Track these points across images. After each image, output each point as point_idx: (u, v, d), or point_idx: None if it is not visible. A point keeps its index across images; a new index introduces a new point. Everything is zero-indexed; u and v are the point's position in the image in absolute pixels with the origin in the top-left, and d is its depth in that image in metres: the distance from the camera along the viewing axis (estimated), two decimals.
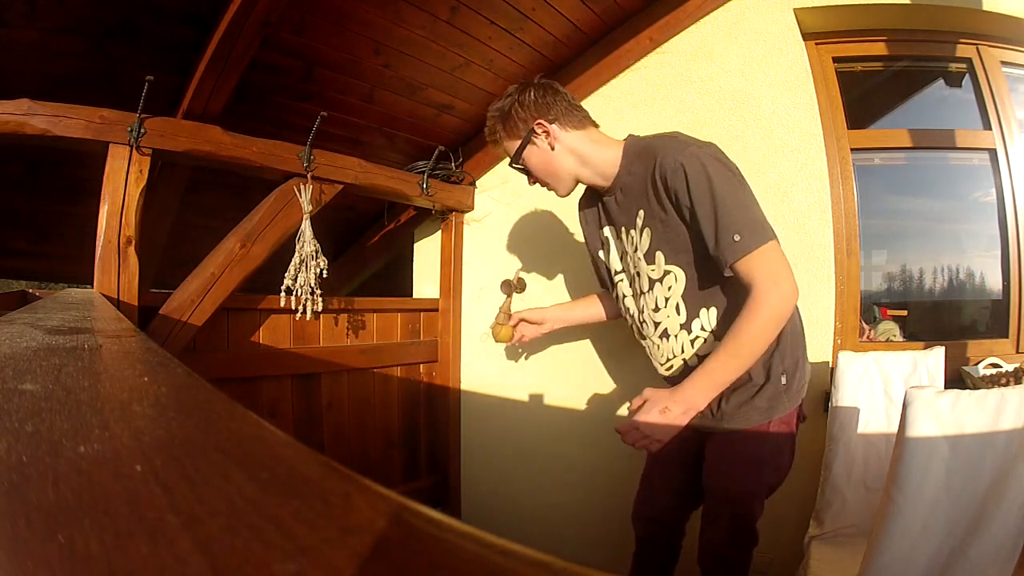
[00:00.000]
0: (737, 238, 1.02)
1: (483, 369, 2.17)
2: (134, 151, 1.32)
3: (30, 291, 1.58)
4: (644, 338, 1.30)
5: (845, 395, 1.45)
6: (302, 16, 1.43)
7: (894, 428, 0.98)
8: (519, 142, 1.25)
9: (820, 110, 1.71)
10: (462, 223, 2.22)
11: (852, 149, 1.76)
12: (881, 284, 2.01)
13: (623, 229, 1.26)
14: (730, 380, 1.06)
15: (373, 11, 1.50)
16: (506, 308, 1.59)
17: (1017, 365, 1.53)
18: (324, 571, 0.13)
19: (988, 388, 0.87)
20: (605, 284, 1.43)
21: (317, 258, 1.60)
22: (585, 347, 1.97)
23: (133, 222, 1.32)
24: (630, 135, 1.26)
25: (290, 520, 0.16)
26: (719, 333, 1.14)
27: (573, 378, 1.99)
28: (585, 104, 2.00)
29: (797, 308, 1.20)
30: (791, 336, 1.17)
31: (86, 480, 0.19)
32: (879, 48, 1.80)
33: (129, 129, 1.31)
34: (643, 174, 1.16)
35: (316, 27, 1.48)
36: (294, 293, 1.58)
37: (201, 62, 1.37)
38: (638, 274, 1.24)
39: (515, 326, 1.59)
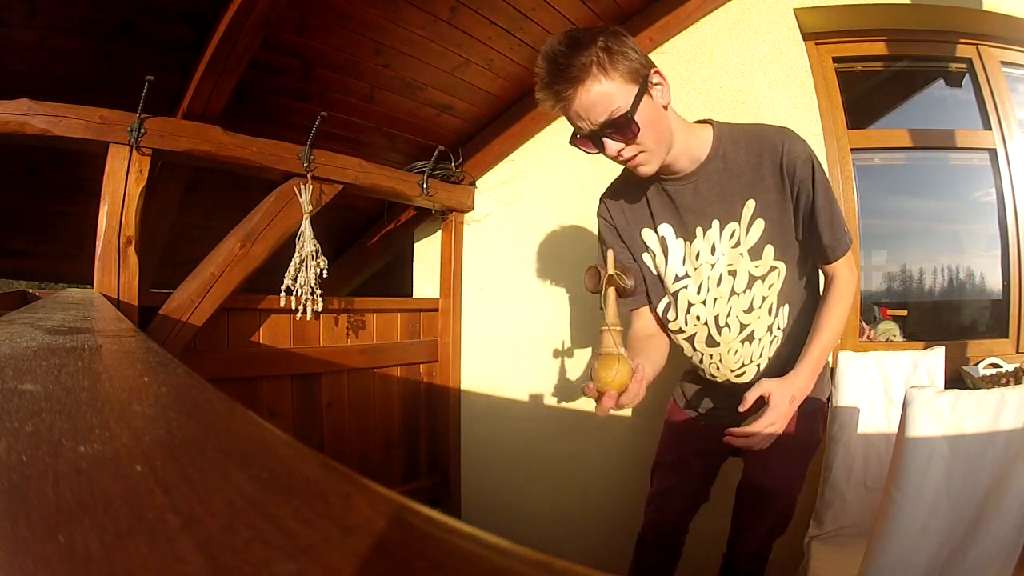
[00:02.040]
0: (847, 231, 1.07)
1: (483, 369, 2.17)
2: (134, 151, 1.32)
3: (30, 291, 1.58)
4: (716, 345, 1.14)
5: (845, 395, 1.45)
6: (302, 16, 1.43)
7: (894, 428, 0.98)
8: (635, 88, 0.93)
9: (820, 110, 1.71)
10: (462, 223, 2.22)
11: (852, 149, 1.76)
12: (881, 284, 2.01)
13: (710, 223, 1.08)
14: (825, 360, 1.09)
15: (373, 11, 1.50)
16: (613, 321, 1.01)
17: (1017, 365, 1.53)
18: (324, 571, 0.13)
19: (988, 388, 0.87)
20: (642, 299, 1.19)
21: (317, 258, 1.60)
22: (585, 347, 1.97)
23: (133, 222, 1.32)
24: (712, 120, 1.11)
25: (290, 520, 0.16)
26: (788, 330, 1.15)
27: (573, 378, 1.99)
28: None
29: None
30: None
31: (86, 480, 0.19)
32: (879, 48, 1.80)
33: (129, 129, 1.31)
34: (751, 162, 1.04)
35: (316, 27, 1.48)
36: (294, 293, 1.58)
37: (201, 62, 1.37)
38: (731, 273, 1.09)
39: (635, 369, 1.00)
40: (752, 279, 1.09)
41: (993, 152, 1.72)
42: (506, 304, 2.12)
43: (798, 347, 1.08)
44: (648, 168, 1.02)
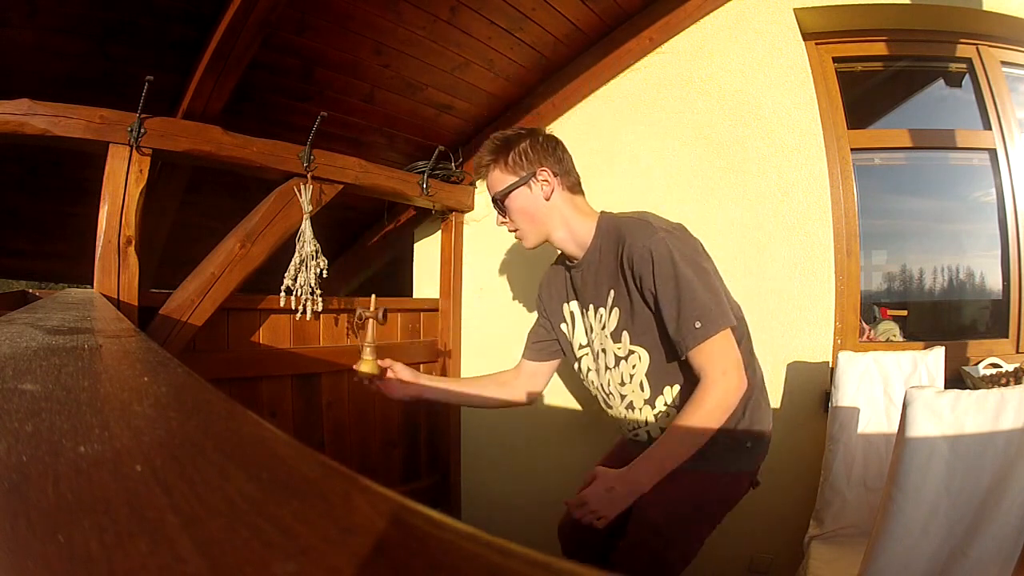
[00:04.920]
0: (698, 325, 1.06)
1: (483, 369, 2.17)
2: (134, 151, 1.32)
3: (30, 291, 1.58)
4: (610, 408, 1.30)
5: (845, 395, 1.45)
6: (302, 16, 1.43)
7: (894, 428, 0.98)
8: (514, 179, 1.22)
9: (820, 110, 1.71)
10: (462, 223, 2.22)
11: (852, 149, 1.76)
12: (881, 284, 2.01)
13: (591, 306, 1.26)
14: (676, 464, 1.06)
15: (373, 11, 1.50)
16: (369, 340, 1.34)
17: (1017, 365, 1.53)
18: (324, 571, 0.13)
19: (988, 388, 0.87)
20: (546, 356, 1.39)
21: (317, 258, 1.60)
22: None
23: (133, 222, 1.32)
24: (603, 212, 1.26)
25: (290, 520, 0.16)
26: (680, 408, 1.16)
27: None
28: (585, 104, 2.04)
29: (764, 388, 1.25)
30: (757, 411, 1.20)
31: (86, 480, 0.19)
32: (879, 48, 1.80)
33: (129, 129, 1.31)
34: (613, 254, 1.18)
35: (316, 27, 1.48)
36: (294, 293, 1.58)
37: (201, 62, 1.37)
38: (604, 351, 1.24)
39: (385, 367, 1.34)
40: (617, 359, 1.22)
41: (993, 152, 1.72)
42: (506, 304, 2.12)
43: None
44: (525, 243, 1.27)
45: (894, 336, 1.84)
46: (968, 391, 0.83)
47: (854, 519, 1.40)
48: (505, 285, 2.13)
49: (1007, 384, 1.48)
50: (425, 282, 2.30)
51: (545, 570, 0.13)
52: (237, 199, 1.79)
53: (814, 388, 1.64)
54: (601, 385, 1.29)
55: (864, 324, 1.80)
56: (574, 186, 1.26)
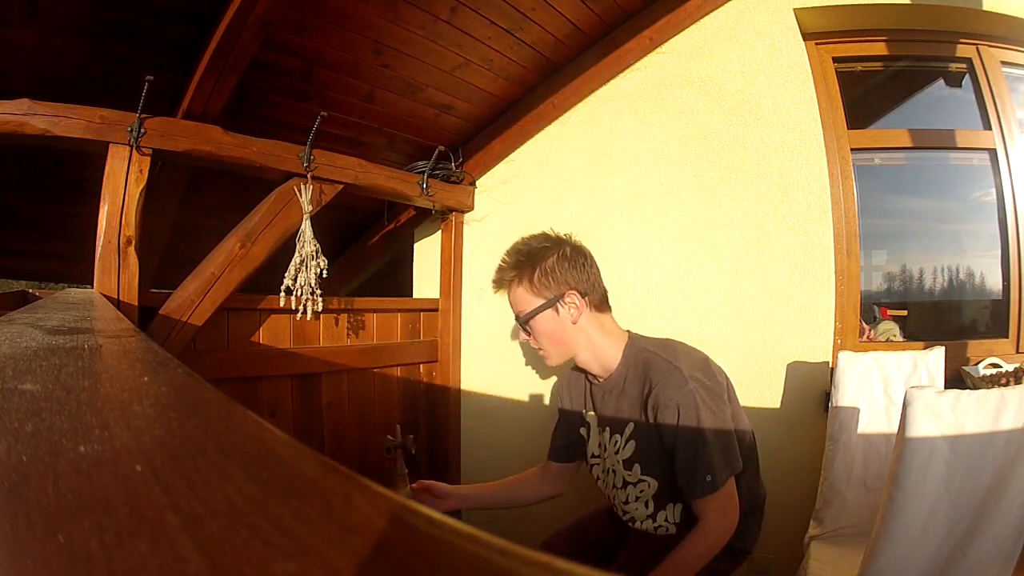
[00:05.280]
0: (709, 478, 1.08)
1: (483, 369, 2.17)
2: (134, 151, 1.32)
3: (30, 291, 1.58)
4: (614, 506, 1.31)
5: (845, 395, 1.45)
6: (302, 16, 1.43)
7: (894, 428, 0.98)
8: (540, 302, 1.19)
9: (820, 110, 1.71)
10: (462, 223, 2.22)
11: (852, 149, 1.76)
12: (881, 284, 2.01)
13: (607, 428, 1.26)
14: None
15: (373, 11, 1.50)
16: (400, 471, 1.38)
17: (1017, 365, 1.53)
18: (324, 571, 0.13)
19: (988, 388, 0.87)
20: (572, 457, 1.39)
21: (317, 258, 1.60)
22: None
23: (133, 222, 1.32)
24: (630, 335, 1.25)
25: (290, 520, 0.16)
26: (680, 527, 1.19)
27: None
28: (585, 104, 2.04)
29: (763, 510, 1.28)
30: (748, 531, 1.22)
31: (86, 480, 0.19)
32: (879, 48, 1.80)
33: (129, 129, 1.31)
34: (638, 389, 1.17)
35: (316, 27, 1.48)
36: (294, 293, 1.58)
37: (201, 62, 1.37)
38: (613, 471, 1.25)
39: (417, 490, 1.36)
40: (626, 483, 1.22)
41: (993, 152, 1.72)
42: (506, 304, 2.12)
43: None
44: (549, 362, 1.26)
45: (894, 336, 1.84)
46: (968, 391, 0.83)
47: (854, 519, 1.40)
48: None
49: (1007, 384, 1.48)
50: (425, 282, 2.30)
51: (545, 570, 0.13)
52: (237, 199, 1.79)
53: (814, 388, 1.64)
54: (610, 496, 1.30)
55: (864, 324, 1.80)
56: (601, 304, 1.23)
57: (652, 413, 1.13)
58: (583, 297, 1.19)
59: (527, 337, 1.25)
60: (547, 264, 1.18)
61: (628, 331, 1.27)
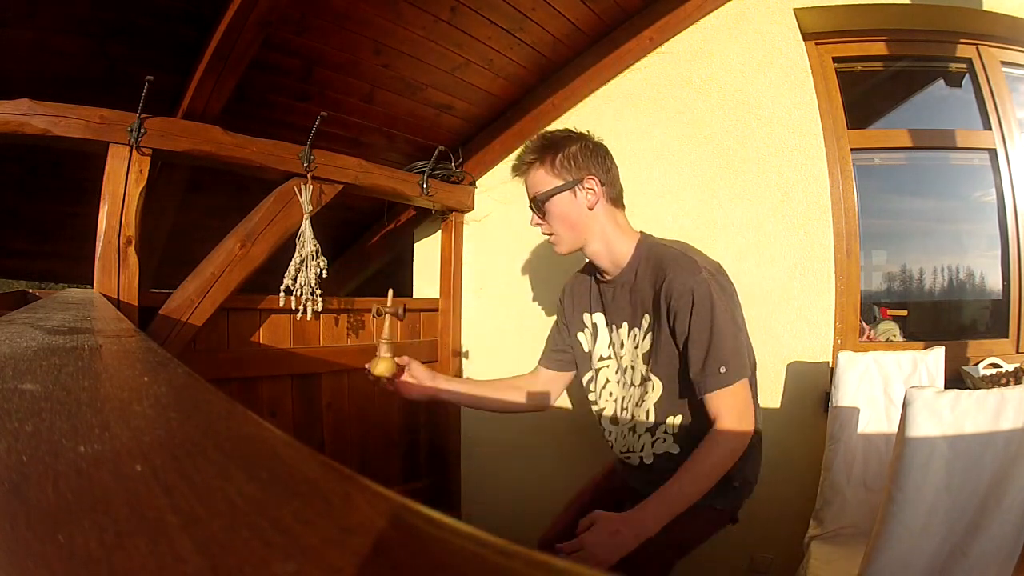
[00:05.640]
0: (723, 370, 1.05)
1: (483, 369, 2.17)
2: (134, 151, 1.32)
3: (30, 291, 1.58)
4: (616, 423, 1.28)
5: (845, 395, 1.45)
6: (302, 16, 1.43)
7: (894, 428, 0.98)
8: (559, 183, 1.18)
9: (820, 110, 1.71)
10: (462, 223, 2.22)
11: (852, 149, 1.75)
12: (881, 284, 2.01)
13: (624, 324, 1.24)
14: (685, 507, 1.04)
15: (373, 11, 1.50)
16: (386, 336, 1.29)
17: (1017, 365, 1.53)
18: (324, 571, 0.13)
19: (988, 388, 0.87)
20: (564, 366, 1.38)
21: (317, 258, 1.60)
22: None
23: (133, 222, 1.32)
24: (643, 233, 1.24)
25: (290, 520, 0.16)
26: (679, 438, 1.17)
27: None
28: (585, 104, 2.04)
29: (761, 437, 1.23)
30: (750, 458, 1.18)
31: (86, 480, 0.19)
32: (879, 48, 1.80)
33: (129, 129, 1.31)
34: (651, 282, 1.15)
35: (316, 27, 1.48)
36: (294, 293, 1.58)
37: (201, 62, 1.37)
38: (633, 368, 1.23)
39: (403, 365, 1.32)
40: (644, 379, 1.21)
41: (993, 152, 1.72)
42: (506, 304, 2.12)
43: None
44: (558, 248, 1.24)
45: (894, 336, 1.84)
46: (968, 391, 0.83)
47: (854, 519, 1.39)
48: (505, 285, 2.13)
49: (1007, 384, 1.48)
50: (425, 282, 2.30)
51: (545, 570, 0.13)
52: (237, 199, 1.79)
53: (814, 388, 1.64)
54: (618, 399, 1.28)
55: (864, 324, 1.80)
56: (617, 199, 1.23)
57: (664, 304, 1.10)
58: (602, 186, 1.18)
59: (540, 221, 1.23)
60: (570, 150, 1.18)
61: (641, 231, 1.25)
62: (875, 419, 1.44)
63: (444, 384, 1.36)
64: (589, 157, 1.18)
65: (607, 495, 1.36)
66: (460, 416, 2.21)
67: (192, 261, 1.50)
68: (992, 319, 1.82)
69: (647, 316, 1.18)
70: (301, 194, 1.57)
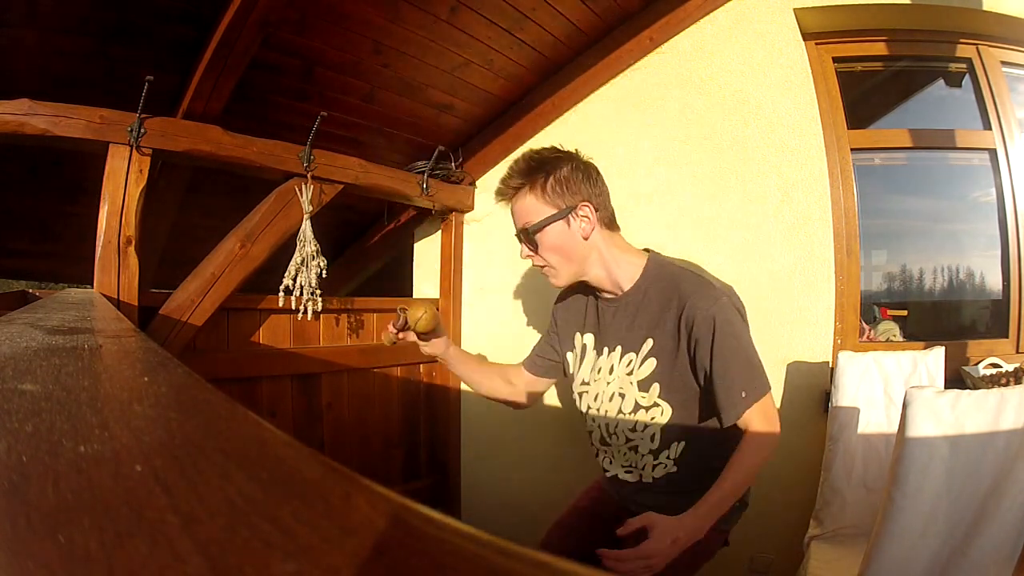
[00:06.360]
0: (744, 395, 1.04)
1: None
2: (134, 151, 1.32)
3: (30, 291, 1.58)
4: (607, 445, 1.24)
5: (845, 395, 1.45)
6: (302, 16, 1.43)
7: (894, 428, 0.98)
8: (551, 212, 1.10)
9: (820, 110, 1.71)
10: (462, 223, 2.22)
11: (852, 149, 1.76)
12: (881, 284, 2.01)
13: (618, 348, 1.18)
14: (727, 509, 1.05)
15: (373, 11, 1.50)
16: (400, 325, 1.27)
17: (1017, 365, 1.53)
18: (324, 571, 0.13)
19: (988, 388, 0.87)
20: (545, 373, 1.36)
21: (317, 258, 1.60)
22: None
23: (133, 222, 1.32)
24: (650, 252, 1.19)
25: (290, 520, 0.16)
26: (680, 463, 1.15)
27: None
28: (585, 104, 2.04)
29: None
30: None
31: (86, 480, 0.19)
32: (879, 48, 1.80)
33: (129, 129, 1.31)
34: (662, 304, 1.10)
35: (316, 27, 1.48)
36: (294, 293, 1.58)
37: (201, 62, 1.37)
38: (622, 395, 1.17)
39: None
40: (638, 407, 1.15)
41: (993, 152, 1.72)
42: (506, 304, 2.12)
43: (699, 482, 1.06)
44: (555, 281, 1.17)
45: (894, 336, 1.84)
46: (968, 391, 0.83)
47: (854, 519, 1.40)
48: (505, 285, 2.13)
49: (1007, 384, 1.48)
50: (425, 282, 2.30)
51: (545, 570, 0.13)
52: (237, 199, 1.79)
53: (814, 388, 1.64)
54: (605, 424, 1.22)
55: (864, 324, 1.80)
56: (611, 222, 1.17)
57: (685, 330, 1.06)
58: (596, 211, 1.12)
59: (531, 253, 1.15)
60: (561, 173, 1.10)
61: (647, 249, 1.20)
62: (875, 419, 1.44)
63: (452, 347, 1.39)
64: (581, 179, 1.11)
65: (602, 515, 1.33)
66: (460, 416, 2.21)
67: (192, 261, 1.50)
68: (992, 319, 1.82)
69: (648, 340, 1.13)
70: (301, 194, 1.57)
